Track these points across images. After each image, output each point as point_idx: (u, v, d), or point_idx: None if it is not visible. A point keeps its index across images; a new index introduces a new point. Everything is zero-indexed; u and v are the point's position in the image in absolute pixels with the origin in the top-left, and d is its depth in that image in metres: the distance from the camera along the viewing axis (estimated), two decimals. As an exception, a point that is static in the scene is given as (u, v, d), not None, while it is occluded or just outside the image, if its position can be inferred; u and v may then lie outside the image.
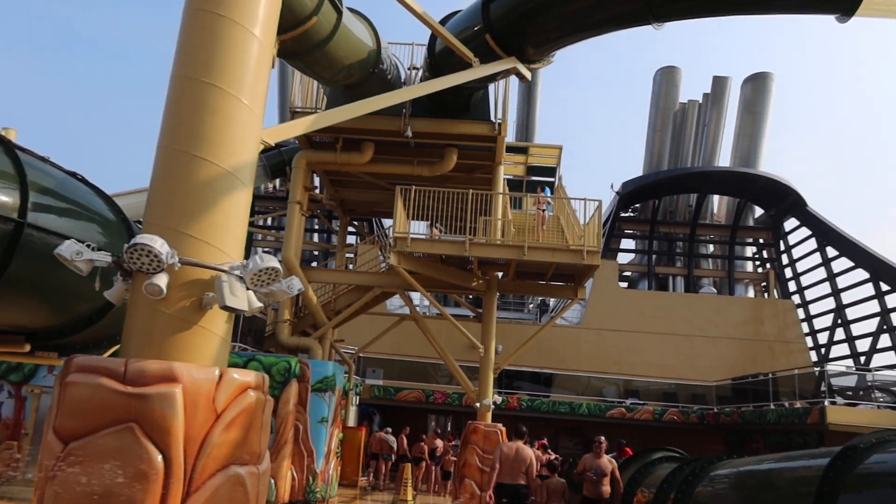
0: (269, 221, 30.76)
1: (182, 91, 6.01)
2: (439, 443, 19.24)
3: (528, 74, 13.08)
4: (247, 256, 5.94)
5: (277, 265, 5.66)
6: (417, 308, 19.98)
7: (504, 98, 15.40)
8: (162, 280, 5.26)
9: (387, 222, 26.17)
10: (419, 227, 17.16)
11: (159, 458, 4.90)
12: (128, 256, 5.26)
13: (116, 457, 4.82)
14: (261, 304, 5.77)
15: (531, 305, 38.33)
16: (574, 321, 31.29)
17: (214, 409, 5.21)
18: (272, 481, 12.84)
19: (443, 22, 13.43)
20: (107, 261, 5.56)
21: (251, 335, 18.00)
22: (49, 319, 8.80)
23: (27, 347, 8.99)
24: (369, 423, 24.64)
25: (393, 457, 19.41)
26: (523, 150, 23.23)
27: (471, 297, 26.92)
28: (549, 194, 18.02)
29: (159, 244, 5.21)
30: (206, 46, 6.06)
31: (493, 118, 15.48)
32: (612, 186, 33.55)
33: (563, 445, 26.80)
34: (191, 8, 6.24)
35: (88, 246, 5.60)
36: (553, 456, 14.89)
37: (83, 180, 9.37)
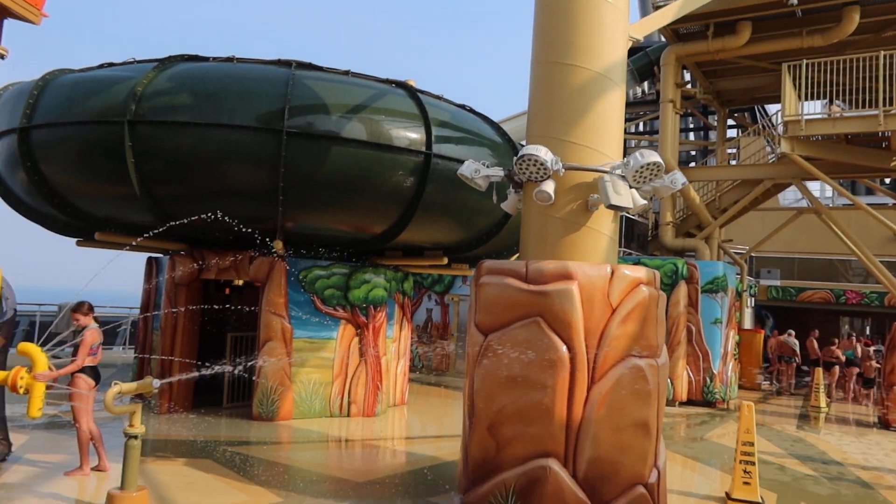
0: (640, 127, 30.19)
1: (547, 2, 6.16)
2: (858, 347, 17.11)
3: None
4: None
5: (659, 159, 5.55)
6: (818, 199, 17.71)
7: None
8: (549, 186, 5.60)
9: (771, 108, 23.51)
10: (813, 108, 15.02)
11: (564, 348, 5.36)
12: (517, 168, 5.70)
13: (527, 346, 5.42)
14: (644, 202, 5.76)
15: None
16: None
17: (610, 304, 5.45)
18: (668, 381, 13.02)
19: None
20: (500, 175, 6.13)
21: (635, 240, 18.17)
22: (458, 235, 10.15)
23: (445, 260, 10.55)
24: (761, 325, 23.08)
25: (796, 360, 17.94)
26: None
27: (888, 181, 22.87)
28: None
29: (543, 152, 5.53)
30: (564, -48, 6.08)
31: (906, -45, 12.50)
32: None
33: None
34: (546, -83, 6.28)
35: (484, 164, 6.22)
36: None
37: (471, 111, 10.40)
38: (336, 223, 9.26)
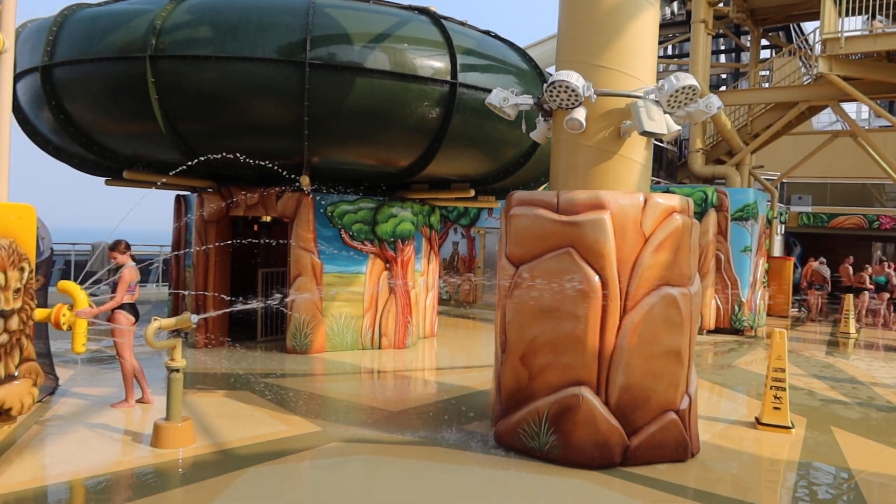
0: (668, 50, 29.20)
1: (577, -82, 5.86)
2: (890, 273, 16.88)
3: None
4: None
5: (695, 82, 5.36)
6: (854, 121, 17.11)
7: None
8: (580, 114, 5.46)
9: (808, 27, 22.56)
10: (853, 25, 14.35)
11: (596, 278, 5.33)
12: (548, 95, 5.55)
13: (559, 276, 5.40)
14: (679, 127, 5.60)
15: None
16: None
17: (642, 233, 5.38)
18: (697, 309, 13.00)
19: None
20: (529, 103, 5.98)
21: (663, 168, 17.86)
22: (485, 166, 10.04)
23: (472, 193, 10.48)
24: (789, 252, 22.79)
25: (827, 287, 17.78)
26: None
27: (927, 101, 22.03)
28: None
29: (575, 78, 5.36)
30: None
31: None
32: None
33: None
34: None
35: (513, 92, 6.06)
36: None
37: (496, 37, 10.10)
38: (362, 157, 9.19)
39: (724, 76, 27.59)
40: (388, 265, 10.30)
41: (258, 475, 5.02)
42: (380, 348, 10.20)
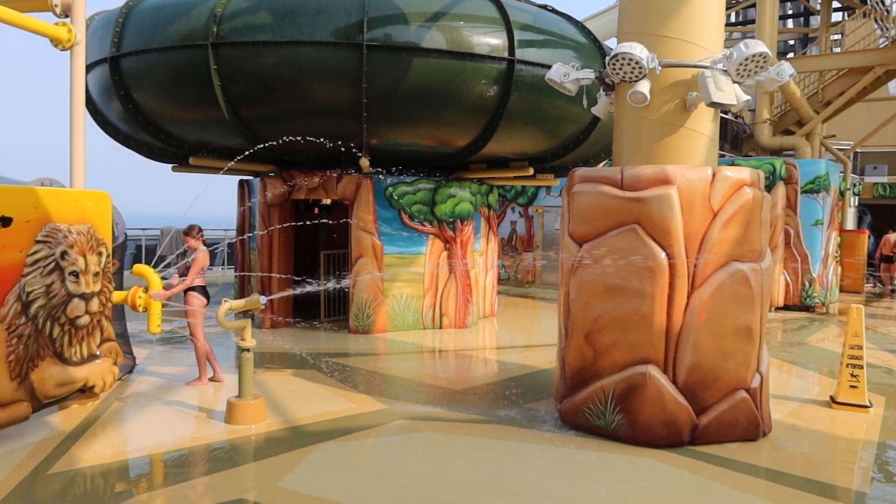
0: (731, 18, 28.12)
1: None
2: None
3: None
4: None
5: (766, 49, 5.14)
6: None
7: None
8: (644, 86, 5.31)
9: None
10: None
11: (662, 255, 5.22)
12: (610, 69, 5.42)
13: (624, 254, 5.30)
14: (748, 97, 5.40)
15: None
16: None
17: (711, 208, 5.23)
18: (765, 285, 12.59)
19: None
20: (591, 77, 5.85)
21: (727, 140, 17.28)
22: (544, 144, 9.91)
23: (531, 171, 10.37)
24: (859, 223, 21.76)
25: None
26: None
27: None
28: None
29: (639, 50, 5.21)
30: None
31: None
32: None
33: None
34: None
35: (573, 67, 5.95)
36: None
37: (553, 10, 9.91)
38: (420, 137, 9.20)
39: (791, 42, 26.44)
40: (447, 245, 10.32)
41: (327, 451, 5.14)
42: (440, 328, 10.27)
